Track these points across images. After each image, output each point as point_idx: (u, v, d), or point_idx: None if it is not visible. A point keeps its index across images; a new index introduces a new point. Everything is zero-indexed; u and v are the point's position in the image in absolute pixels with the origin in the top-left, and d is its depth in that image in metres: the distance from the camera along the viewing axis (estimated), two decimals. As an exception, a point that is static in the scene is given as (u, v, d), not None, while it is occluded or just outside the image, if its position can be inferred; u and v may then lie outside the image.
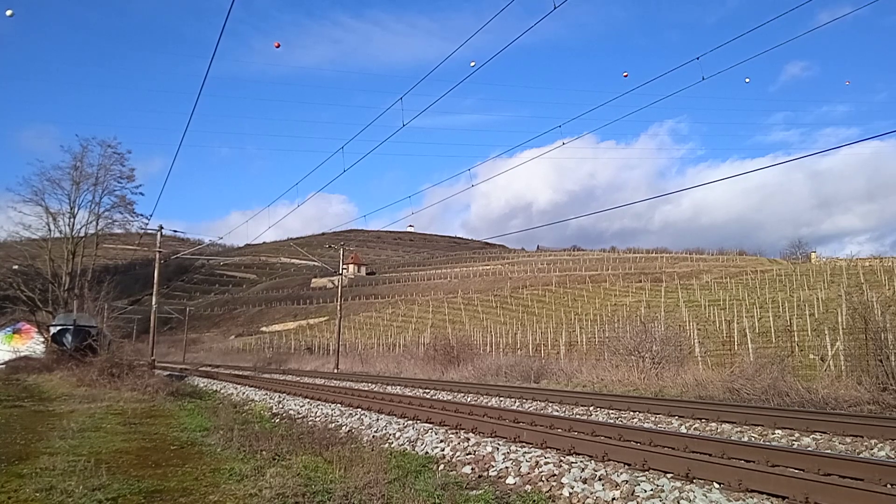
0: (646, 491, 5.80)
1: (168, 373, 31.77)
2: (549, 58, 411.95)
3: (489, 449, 8.00)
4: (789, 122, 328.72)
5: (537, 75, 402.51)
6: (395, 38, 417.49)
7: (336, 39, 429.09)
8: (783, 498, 5.53)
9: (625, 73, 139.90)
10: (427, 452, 8.36)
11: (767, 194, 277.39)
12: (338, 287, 53.46)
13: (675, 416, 12.12)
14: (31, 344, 36.47)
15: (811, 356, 21.19)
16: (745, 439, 9.27)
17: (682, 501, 5.50)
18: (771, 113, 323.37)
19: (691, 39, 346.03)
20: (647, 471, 6.78)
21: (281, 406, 15.57)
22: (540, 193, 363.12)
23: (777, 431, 9.82)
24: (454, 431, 9.90)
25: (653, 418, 12.07)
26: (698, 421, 11.28)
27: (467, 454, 7.94)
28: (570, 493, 5.95)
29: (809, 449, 8.30)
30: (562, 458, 7.28)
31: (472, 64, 14.25)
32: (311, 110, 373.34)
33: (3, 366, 31.28)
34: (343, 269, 57.35)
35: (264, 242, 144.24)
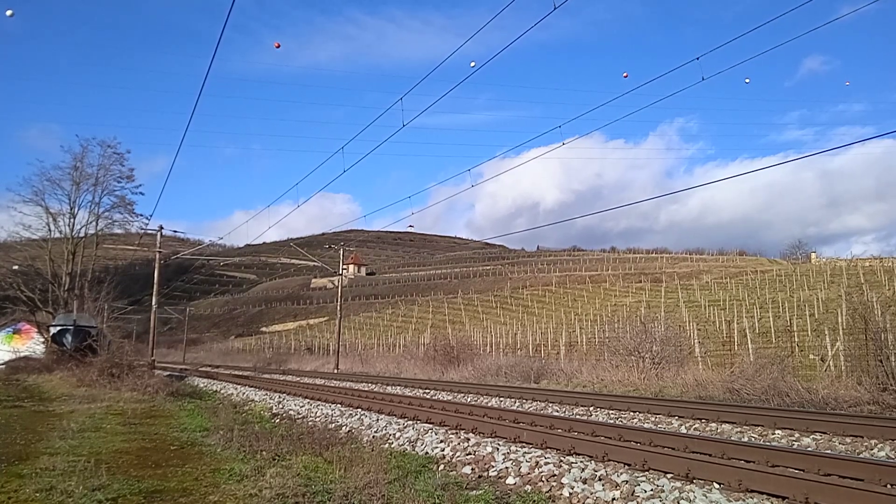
0: (646, 491, 5.80)
1: (168, 373, 31.77)
2: (563, 55, 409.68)
3: (489, 449, 8.00)
4: (804, 120, 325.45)
5: (551, 73, 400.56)
6: (409, 35, 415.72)
7: (349, 36, 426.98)
8: (783, 498, 5.53)
9: (625, 74, 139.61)
10: (427, 452, 8.36)
11: (776, 193, 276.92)
12: (338, 287, 53.45)
13: (675, 416, 12.12)
14: (31, 344, 36.44)
15: (811, 356, 21.19)
16: (745, 439, 9.26)
17: (682, 501, 5.50)
18: (786, 112, 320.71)
19: (707, 36, 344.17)
20: (647, 471, 6.78)
21: (281, 406, 15.57)
22: (547, 193, 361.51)
23: (777, 431, 9.82)
24: (454, 432, 9.90)
25: (653, 418, 12.07)
26: (698, 421, 11.28)
27: (467, 454, 7.94)
28: (570, 494, 5.95)
29: (809, 449, 8.30)
30: (562, 459, 7.29)
31: (473, 64, 14.25)
32: (320, 109, 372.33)
33: (3, 366, 31.26)
34: (343, 269, 57.33)
35: (264, 242, 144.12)
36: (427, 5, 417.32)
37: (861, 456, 7.67)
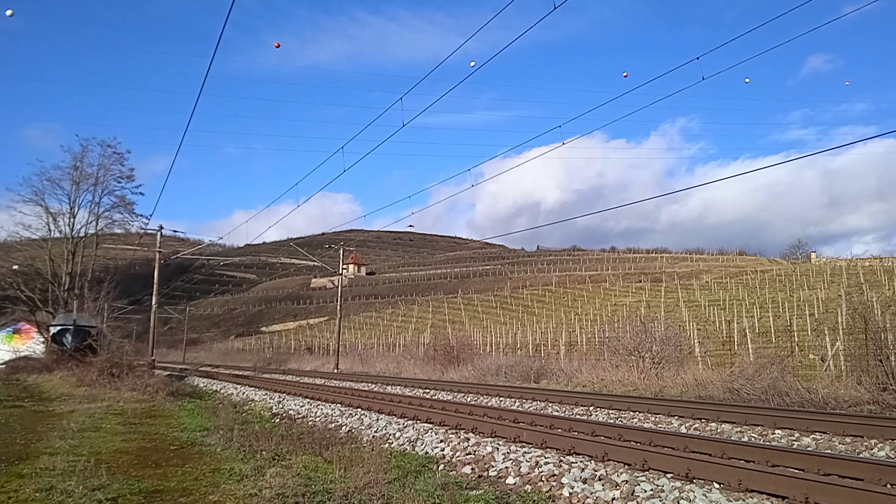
0: (646, 491, 5.80)
1: (168, 373, 31.77)
2: (565, 55, 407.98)
3: (489, 449, 8.00)
4: (807, 119, 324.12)
5: (554, 72, 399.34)
6: (412, 34, 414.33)
7: (352, 35, 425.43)
8: (783, 498, 5.53)
9: (625, 74, 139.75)
10: (427, 452, 8.36)
11: (777, 193, 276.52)
12: (338, 287, 53.44)
13: (675, 416, 12.12)
14: (31, 344, 36.42)
15: (811, 356, 21.18)
16: (745, 439, 9.27)
17: (682, 501, 5.50)
18: (788, 111, 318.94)
19: (710, 35, 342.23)
20: (647, 471, 6.78)
21: (281, 406, 15.57)
22: (548, 193, 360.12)
23: (777, 431, 9.83)
24: (454, 431, 9.90)
25: (653, 418, 12.07)
26: (698, 421, 11.28)
27: (467, 454, 7.94)
28: (570, 493, 5.95)
29: (809, 449, 8.30)
30: (562, 458, 7.29)
31: (472, 64, 14.25)
32: (322, 109, 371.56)
33: (3, 366, 31.27)
34: (343, 269, 57.32)
35: (264, 242, 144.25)
36: (430, 4, 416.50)
37: (861, 456, 7.67)
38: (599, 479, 6.25)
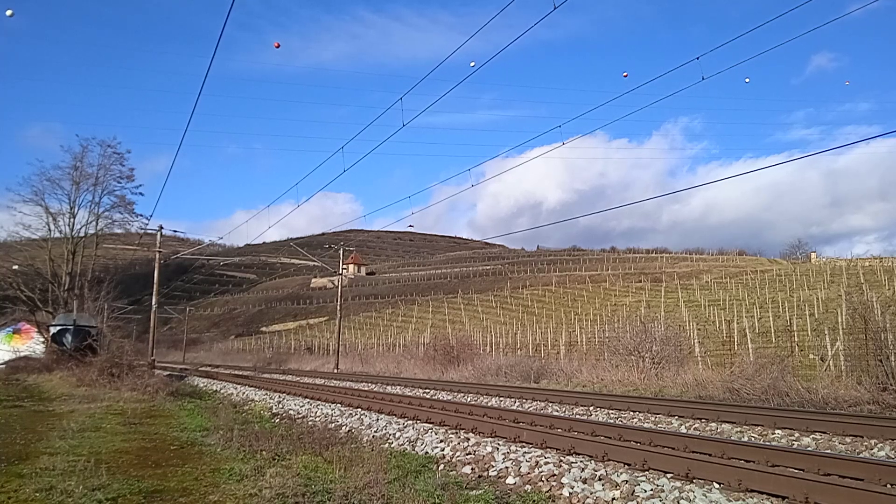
0: (646, 491, 5.80)
1: (168, 373, 31.77)
2: (569, 54, 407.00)
3: (489, 449, 8.00)
4: (810, 119, 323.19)
5: (557, 72, 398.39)
6: (415, 33, 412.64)
7: (354, 35, 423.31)
8: (783, 498, 5.53)
9: (625, 74, 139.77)
10: (427, 452, 8.36)
11: (779, 193, 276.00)
12: (338, 287, 53.43)
13: (675, 416, 12.12)
14: (31, 344, 36.39)
15: (811, 356, 21.18)
16: (745, 439, 9.27)
17: (682, 501, 5.50)
18: (792, 111, 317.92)
19: (715, 34, 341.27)
20: (647, 471, 6.78)
21: (281, 406, 15.57)
22: (549, 192, 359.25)
23: (777, 431, 9.83)
24: (454, 431, 9.91)
25: (653, 418, 12.07)
26: (698, 421, 11.28)
27: (467, 454, 7.94)
28: (570, 493, 5.95)
29: (809, 449, 8.30)
30: (562, 458, 7.29)
31: (472, 64, 14.26)
32: (323, 109, 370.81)
33: (3, 366, 31.25)
34: (343, 269, 57.32)
35: (264, 242, 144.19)
36: (434, 3, 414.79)
37: (861, 456, 7.67)
38: (599, 479, 6.25)
